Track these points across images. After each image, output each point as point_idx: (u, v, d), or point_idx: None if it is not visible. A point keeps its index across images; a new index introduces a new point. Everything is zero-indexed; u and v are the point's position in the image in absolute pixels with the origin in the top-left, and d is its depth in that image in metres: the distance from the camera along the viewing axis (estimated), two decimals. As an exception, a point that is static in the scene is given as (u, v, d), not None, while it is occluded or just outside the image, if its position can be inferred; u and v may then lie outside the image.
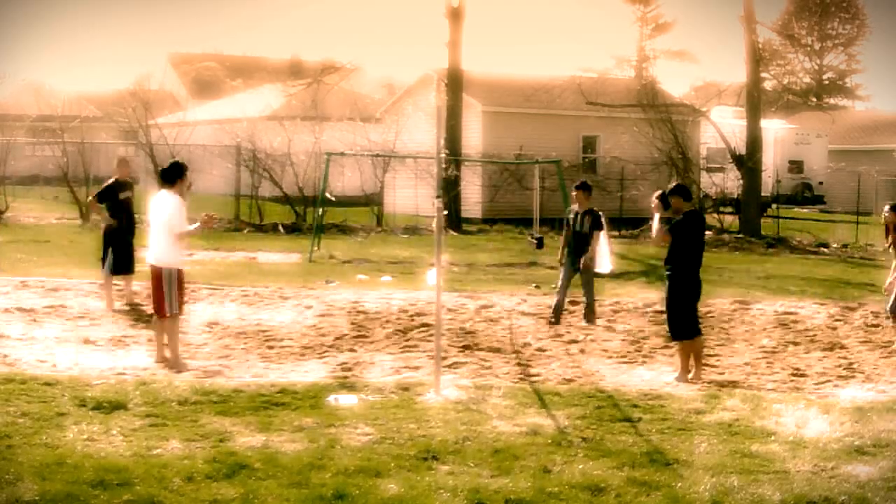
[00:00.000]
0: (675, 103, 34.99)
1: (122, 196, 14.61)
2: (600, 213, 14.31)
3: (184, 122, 34.39)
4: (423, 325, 13.26)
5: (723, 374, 11.05)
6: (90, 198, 14.63)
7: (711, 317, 14.99)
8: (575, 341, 12.70)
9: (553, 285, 17.72)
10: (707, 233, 29.52)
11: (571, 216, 14.08)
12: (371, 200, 31.30)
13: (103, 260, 14.45)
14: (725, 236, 29.02)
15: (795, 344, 13.00)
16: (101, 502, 6.22)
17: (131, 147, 35.00)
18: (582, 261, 13.90)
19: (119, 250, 14.44)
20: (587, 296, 14.04)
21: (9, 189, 30.02)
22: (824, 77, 71.83)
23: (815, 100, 66.56)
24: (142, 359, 10.79)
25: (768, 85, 57.41)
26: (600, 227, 14.19)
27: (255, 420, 8.19)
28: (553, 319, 13.93)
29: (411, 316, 14.15)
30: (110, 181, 14.80)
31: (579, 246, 13.95)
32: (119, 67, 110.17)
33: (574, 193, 14.20)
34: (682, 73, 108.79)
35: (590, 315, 14.01)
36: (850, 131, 48.15)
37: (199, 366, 10.56)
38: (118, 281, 14.62)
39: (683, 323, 10.57)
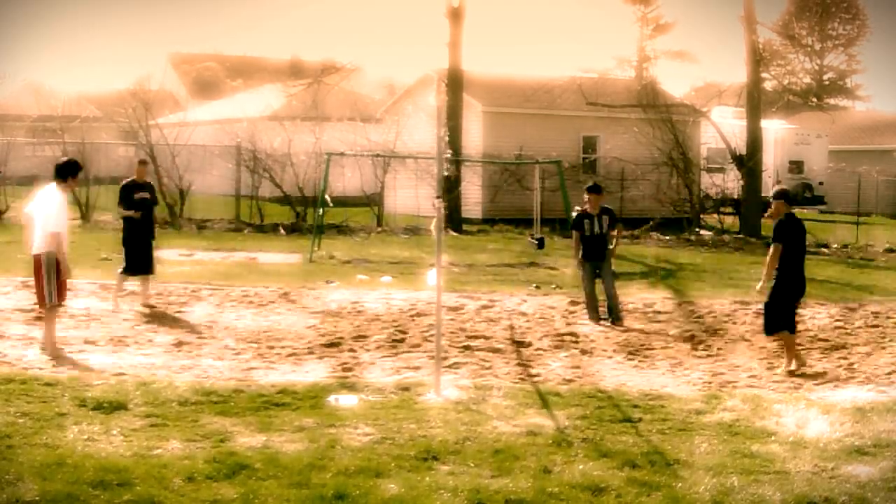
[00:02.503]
0: (675, 103, 34.98)
1: (138, 196, 14.73)
2: (612, 208, 14.55)
3: (184, 122, 34.33)
4: (424, 325, 13.26)
5: (724, 373, 11.06)
6: (118, 208, 14.99)
7: (712, 317, 15.00)
8: (575, 342, 12.70)
9: (554, 286, 17.77)
10: (708, 233, 29.70)
11: (587, 221, 14.11)
12: (371, 201, 31.30)
13: (126, 259, 14.66)
14: (726, 237, 29.02)
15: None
16: (102, 502, 6.22)
17: (131, 147, 34.99)
18: (603, 260, 14.19)
19: (136, 251, 14.61)
20: (612, 294, 14.16)
21: (9, 189, 30.01)
22: (824, 77, 71.81)
23: (815, 100, 66.50)
24: (141, 359, 10.80)
25: (768, 85, 57.39)
26: (617, 223, 14.49)
27: (255, 420, 8.19)
28: (595, 319, 14.03)
29: (411, 316, 14.16)
30: (126, 181, 14.93)
31: (599, 248, 14.16)
32: (119, 67, 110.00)
33: (588, 197, 14.27)
34: (682, 74, 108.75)
35: (617, 313, 14.10)
36: (851, 132, 48.14)
37: (200, 366, 10.58)
38: (134, 281, 14.87)
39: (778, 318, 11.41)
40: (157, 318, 13.54)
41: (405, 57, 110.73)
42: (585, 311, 14.33)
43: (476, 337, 12.79)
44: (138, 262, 14.61)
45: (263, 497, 6.39)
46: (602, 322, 13.97)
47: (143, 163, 15.82)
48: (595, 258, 14.15)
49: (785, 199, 11.47)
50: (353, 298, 15.68)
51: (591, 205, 14.19)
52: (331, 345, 11.99)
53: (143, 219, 14.76)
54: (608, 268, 14.29)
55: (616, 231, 14.50)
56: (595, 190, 14.42)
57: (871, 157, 41.70)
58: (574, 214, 14.38)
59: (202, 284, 16.35)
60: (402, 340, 12.36)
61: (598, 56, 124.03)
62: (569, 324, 14.03)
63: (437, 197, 9.97)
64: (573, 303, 15.64)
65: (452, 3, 30.84)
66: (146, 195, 14.92)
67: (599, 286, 14.23)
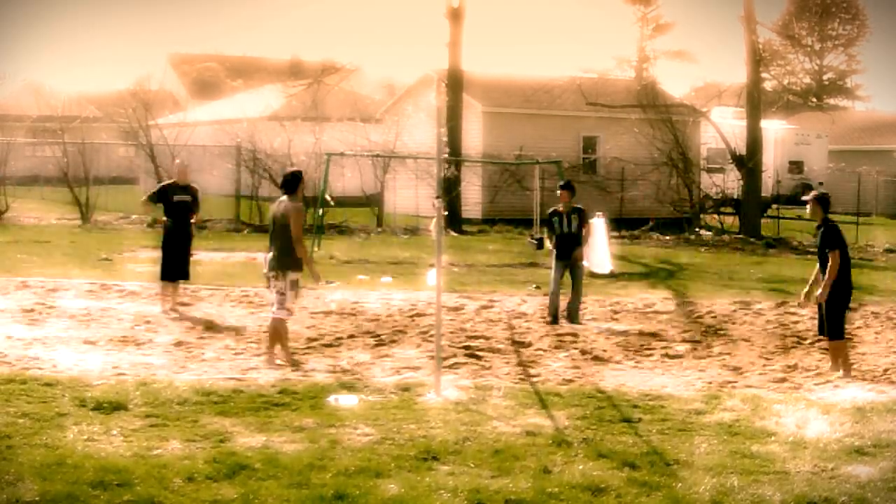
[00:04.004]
0: (675, 104, 35.00)
1: (177, 199, 14.29)
2: (583, 208, 14.51)
3: (184, 122, 34.35)
4: (424, 325, 13.26)
5: (724, 374, 11.06)
6: (143, 198, 14.62)
7: (712, 317, 14.99)
8: (575, 342, 12.69)
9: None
10: (708, 233, 29.69)
11: (556, 218, 14.17)
12: (371, 201, 31.30)
13: (161, 265, 14.28)
14: (726, 237, 29.02)
15: (796, 344, 12.99)
16: (102, 502, 6.21)
17: (132, 147, 34.99)
18: (573, 259, 14.14)
19: (172, 255, 14.20)
20: (576, 296, 14.13)
21: (9, 189, 30.02)
22: (824, 77, 71.81)
23: (815, 100, 66.55)
24: (141, 359, 10.79)
25: (768, 85, 57.41)
26: (586, 222, 14.55)
27: (255, 420, 8.19)
28: (552, 320, 14.00)
29: (411, 316, 14.15)
30: (166, 182, 14.68)
31: (569, 247, 14.12)
32: (119, 67, 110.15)
33: (559, 194, 14.38)
34: (682, 74, 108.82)
35: (575, 315, 14.06)
36: (850, 132, 48.14)
37: (200, 366, 10.57)
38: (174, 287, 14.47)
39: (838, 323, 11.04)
40: (156, 318, 13.52)
41: (405, 57, 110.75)
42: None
43: (476, 337, 12.78)
44: (174, 267, 14.18)
45: (263, 497, 6.39)
46: (561, 323, 13.93)
47: (181, 165, 15.22)
48: (565, 256, 14.16)
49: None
50: (353, 298, 15.68)
51: (561, 202, 14.23)
52: (331, 345, 11.99)
53: (179, 223, 14.31)
54: (579, 267, 14.31)
55: (585, 230, 14.49)
56: (567, 187, 14.40)
57: (871, 157, 41.68)
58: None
59: (202, 284, 16.34)
60: (402, 341, 12.36)
61: (598, 56, 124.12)
62: (568, 324, 14.02)
63: (437, 197, 9.98)
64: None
65: (452, 3, 30.85)
66: (186, 198, 14.36)
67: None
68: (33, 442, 7.33)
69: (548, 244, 14.54)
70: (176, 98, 53.96)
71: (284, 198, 10.89)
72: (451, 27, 30.93)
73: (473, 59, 62.09)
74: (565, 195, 14.23)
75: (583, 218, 14.31)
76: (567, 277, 14.22)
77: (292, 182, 10.88)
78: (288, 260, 10.65)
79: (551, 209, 14.51)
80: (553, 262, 14.31)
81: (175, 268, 14.22)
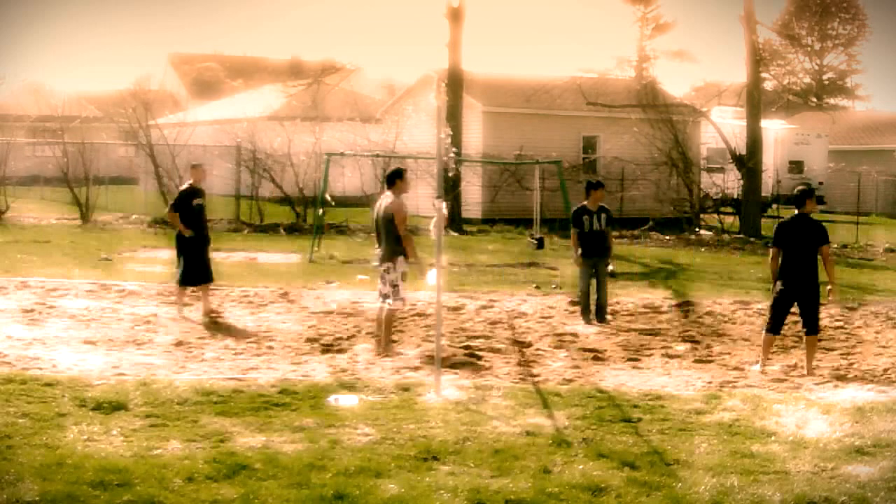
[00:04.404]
0: (675, 103, 35.00)
1: (196, 203, 13.87)
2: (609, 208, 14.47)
3: (184, 122, 34.33)
4: (424, 325, 13.25)
5: (724, 374, 11.06)
6: (168, 211, 13.70)
7: (711, 317, 15.00)
8: (575, 341, 12.69)
9: (553, 286, 17.75)
10: (708, 233, 29.70)
11: (586, 217, 13.98)
12: (371, 201, 31.24)
13: (180, 270, 13.90)
14: (726, 237, 29.02)
15: (796, 344, 12.99)
16: (102, 502, 6.22)
17: (132, 147, 34.98)
18: (599, 258, 14.04)
19: (193, 260, 13.83)
20: (604, 293, 14.06)
21: (9, 189, 30.03)
22: (824, 77, 71.83)
23: (815, 100, 66.58)
24: (141, 359, 10.79)
25: (768, 85, 57.46)
26: (612, 223, 14.44)
27: (255, 420, 8.19)
28: (587, 319, 13.93)
29: (412, 316, 14.15)
30: (184, 187, 14.17)
31: (597, 245, 13.99)
32: (119, 67, 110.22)
33: (595, 192, 14.12)
34: (682, 74, 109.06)
35: (603, 313, 14.01)
36: (850, 131, 48.16)
37: (200, 366, 10.58)
38: (195, 291, 14.26)
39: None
40: (159, 319, 13.51)
41: (405, 57, 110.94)
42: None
43: (476, 337, 12.79)
44: (196, 272, 13.85)
45: (263, 497, 6.39)
46: (593, 322, 13.89)
47: (197, 167, 14.50)
48: (592, 255, 14.00)
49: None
50: (353, 298, 15.68)
51: (591, 201, 14.10)
52: (330, 345, 11.99)
53: (198, 227, 13.90)
54: (605, 267, 14.22)
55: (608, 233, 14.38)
56: (597, 186, 14.29)
57: (871, 157, 41.71)
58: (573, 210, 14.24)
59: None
60: (401, 340, 12.36)
61: (598, 56, 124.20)
62: (569, 324, 14.02)
63: (437, 197, 9.99)
64: (573, 303, 15.63)
65: (452, 3, 30.83)
66: (202, 201, 13.99)
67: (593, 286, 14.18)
68: (33, 442, 7.34)
69: (578, 253, 14.03)
70: (176, 98, 53.99)
71: (388, 193, 11.73)
72: (451, 27, 30.92)
73: (473, 59, 62.20)
74: (601, 193, 14.10)
75: (610, 217, 14.17)
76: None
77: (392, 177, 11.88)
78: (400, 250, 11.55)
79: (579, 206, 14.20)
80: (580, 263, 14.01)
81: (197, 272, 13.87)
